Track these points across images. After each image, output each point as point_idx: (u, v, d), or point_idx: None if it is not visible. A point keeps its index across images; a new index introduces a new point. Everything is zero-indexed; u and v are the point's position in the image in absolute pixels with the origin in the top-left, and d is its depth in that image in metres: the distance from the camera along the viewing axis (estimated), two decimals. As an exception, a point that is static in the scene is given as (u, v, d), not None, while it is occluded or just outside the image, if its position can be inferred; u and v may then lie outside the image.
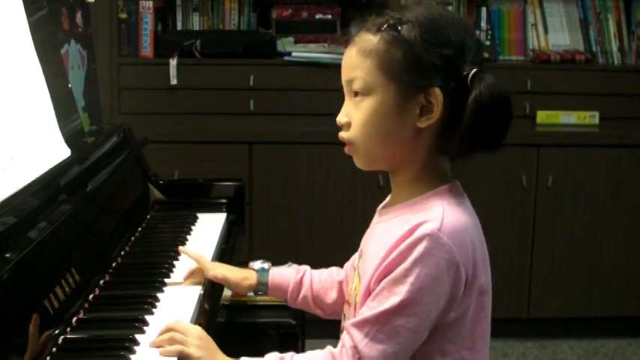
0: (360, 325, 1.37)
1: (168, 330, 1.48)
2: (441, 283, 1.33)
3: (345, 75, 1.43)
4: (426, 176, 1.42)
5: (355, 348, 1.37)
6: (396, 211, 1.45)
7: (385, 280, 1.35)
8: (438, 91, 1.35)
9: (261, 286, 1.74)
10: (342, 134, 1.45)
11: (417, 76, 1.35)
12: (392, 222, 1.43)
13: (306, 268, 1.75)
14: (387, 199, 1.53)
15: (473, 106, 1.32)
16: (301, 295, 1.71)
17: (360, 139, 1.42)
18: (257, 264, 1.78)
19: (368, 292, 1.41)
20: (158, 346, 1.46)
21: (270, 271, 1.75)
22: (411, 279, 1.33)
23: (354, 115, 1.42)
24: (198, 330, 1.50)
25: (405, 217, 1.40)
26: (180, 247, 1.93)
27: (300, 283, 1.71)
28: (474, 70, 1.35)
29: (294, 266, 2.54)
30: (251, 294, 1.83)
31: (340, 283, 1.69)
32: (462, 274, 1.35)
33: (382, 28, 1.38)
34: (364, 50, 1.39)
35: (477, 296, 1.40)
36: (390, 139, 1.40)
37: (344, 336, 1.40)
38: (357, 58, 1.40)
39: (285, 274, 1.74)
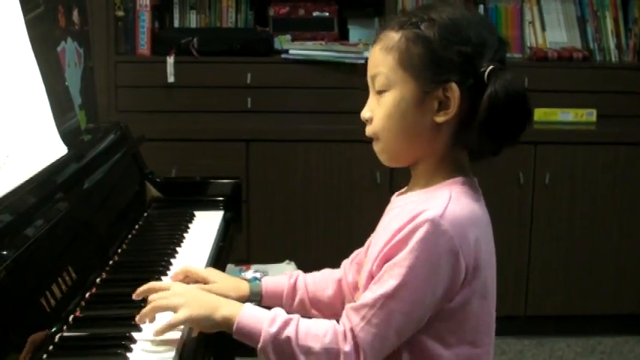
0: (358, 308, 1.40)
1: (149, 302, 1.49)
2: (438, 269, 1.36)
3: (369, 71, 1.48)
4: (444, 169, 1.46)
5: (352, 331, 1.39)
6: (407, 199, 1.48)
7: (386, 265, 1.39)
8: (454, 86, 1.39)
9: (254, 296, 1.71)
10: (367, 129, 1.49)
11: (434, 72, 1.40)
12: (402, 209, 1.45)
13: (298, 272, 1.75)
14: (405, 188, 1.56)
15: (487, 103, 1.36)
16: (297, 299, 1.70)
17: (381, 133, 1.46)
18: (248, 274, 1.77)
19: (370, 276, 1.44)
20: (146, 319, 1.48)
21: (263, 280, 1.73)
22: (408, 262, 1.36)
23: (376, 110, 1.46)
24: (177, 287, 1.52)
25: (414, 204, 1.43)
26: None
27: (294, 287, 1.71)
28: (491, 67, 1.39)
29: (292, 264, 2.55)
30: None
31: (336, 281, 1.69)
32: (462, 264, 1.37)
33: (404, 26, 1.43)
34: (387, 47, 1.44)
35: (480, 292, 1.42)
36: (410, 133, 1.44)
37: (343, 318, 1.42)
38: (380, 55, 1.45)
39: (279, 281, 1.73)
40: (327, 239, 3.46)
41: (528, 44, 3.85)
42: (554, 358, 3.55)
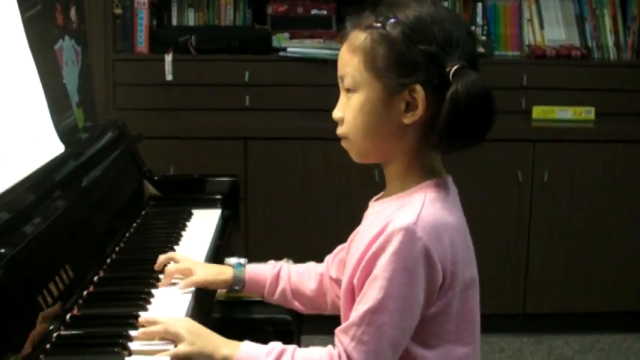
0: (346, 329, 1.40)
1: (158, 322, 1.48)
2: (417, 276, 1.35)
3: (338, 71, 1.47)
4: (415, 170, 1.45)
5: (345, 352, 1.39)
6: (383, 204, 1.47)
7: (367, 280, 1.38)
8: (419, 88, 1.37)
9: (237, 282, 1.73)
10: (338, 130, 1.48)
11: (399, 73, 1.38)
12: (377, 215, 1.45)
13: (282, 263, 1.76)
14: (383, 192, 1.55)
15: (449, 103, 1.34)
16: (279, 289, 1.71)
17: (350, 134, 1.46)
18: (232, 260, 1.78)
19: (351, 286, 1.44)
20: (149, 335, 1.46)
21: (247, 267, 1.75)
22: (387, 274, 1.35)
23: (346, 111, 1.45)
24: (186, 321, 1.51)
25: (389, 211, 1.43)
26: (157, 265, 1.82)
27: (277, 277, 1.72)
28: (456, 66, 1.36)
29: (290, 262, 2.54)
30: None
31: (319, 275, 1.70)
32: (438, 269, 1.37)
33: (370, 26, 1.41)
34: (353, 47, 1.43)
35: (460, 292, 1.42)
36: (377, 134, 1.43)
37: (335, 342, 1.43)
38: (347, 55, 1.44)
39: (262, 269, 1.74)
40: (326, 237, 3.44)
41: (527, 42, 3.85)
42: (553, 355, 3.55)
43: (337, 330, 1.42)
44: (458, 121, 1.34)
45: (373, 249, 1.38)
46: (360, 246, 1.43)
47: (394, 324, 1.36)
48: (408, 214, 1.37)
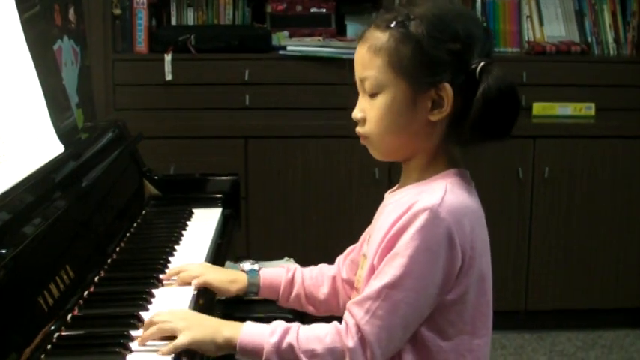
0: (360, 302, 1.40)
1: (152, 324, 1.46)
2: (438, 257, 1.36)
3: (357, 73, 1.47)
4: (437, 163, 1.47)
5: (357, 325, 1.39)
6: (402, 192, 1.48)
7: (387, 257, 1.39)
8: (447, 86, 1.39)
9: (252, 287, 1.73)
10: (359, 129, 1.48)
11: (426, 72, 1.39)
12: (398, 202, 1.46)
13: (295, 266, 1.76)
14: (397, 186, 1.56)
15: (481, 99, 1.36)
16: (293, 294, 1.71)
17: (375, 135, 1.46)
18: (246, 265, 1.78)
19: (372, 270, 1.44)
20: (147, 340, 1.45)
21: (261, 272, 1.74)
22: (409, 252, 1.36)
23: (369, 112, 1.45)
24: (181, 311, 1.51)
25: (410, 197, 1.43)
26: (163, 276, 1.76)
27: (291, 282, 1.72)
28: (482, 63, 1.38)
29: (291, 261, 2.54)
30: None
31: (331, 278, 1.70)
32: (459, 251, 1.38)
33: (391, 25, 1.41)
34: (374, 48, 1.42)
35: (477, 281, 1.43)
36: (404, 133, 1.44)
37: (346, 315, 1.42)
38: (368, 56, 1.44)
39: (276, 274, 1.74)
40: (326, 235, 3.45)
41: (526, 38, 3.85)
42: (555, 352, 3.55)
43: (350, 302, 1.42)
44: (489, 116, 1.37)
45: (395, 228, 1.38)
46: (380, 233, 1.43)
47: (409, 302, 1.37)
48: (432, 196, 1.38)
